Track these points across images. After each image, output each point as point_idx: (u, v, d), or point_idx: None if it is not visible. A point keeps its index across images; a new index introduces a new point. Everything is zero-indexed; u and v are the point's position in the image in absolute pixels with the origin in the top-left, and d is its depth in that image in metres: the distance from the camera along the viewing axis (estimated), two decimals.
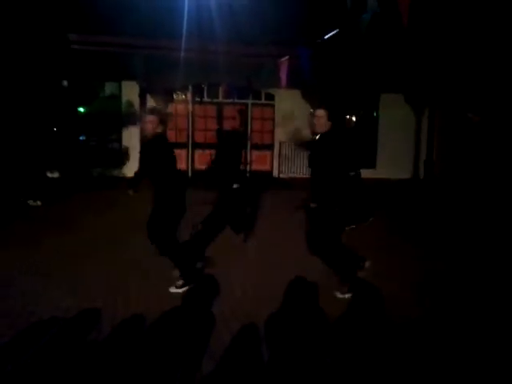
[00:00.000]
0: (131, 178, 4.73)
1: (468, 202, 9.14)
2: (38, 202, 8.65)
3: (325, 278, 4.97)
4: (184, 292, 4.57)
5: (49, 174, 10.78)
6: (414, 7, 4.37)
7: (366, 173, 4.81)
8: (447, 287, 4.97)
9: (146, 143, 4.40)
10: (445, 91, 11.67)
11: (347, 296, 4.46)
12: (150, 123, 4.27)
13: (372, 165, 12.67)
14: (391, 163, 12.41)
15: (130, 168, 11.36)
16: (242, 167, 7.35)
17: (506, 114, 9.61)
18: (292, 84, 8.11)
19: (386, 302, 4.49)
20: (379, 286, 4.83)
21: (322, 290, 4.68)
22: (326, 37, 6.65)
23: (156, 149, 4.34)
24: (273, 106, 12.78)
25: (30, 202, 8.59)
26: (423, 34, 8.62)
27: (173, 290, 4.55)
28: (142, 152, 4.48)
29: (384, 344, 3.65)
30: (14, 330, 3.66)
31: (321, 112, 4.34)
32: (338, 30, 6.49)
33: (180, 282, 4.60)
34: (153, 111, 4.47)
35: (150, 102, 11.60)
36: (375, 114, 13.36)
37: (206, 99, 12.52)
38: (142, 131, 4.31)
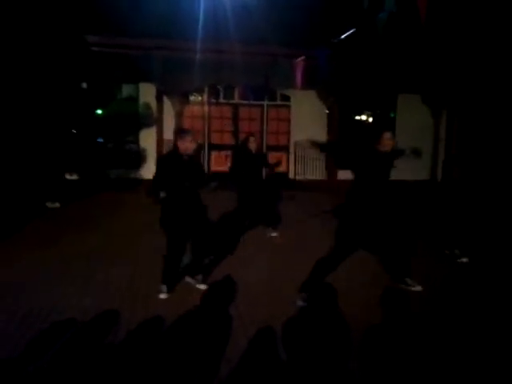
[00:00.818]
0: (153, 188, 4.80)
1: (487, 204, 8.98)
2: (57, 204, 8.75)
3: (345, 281, 4.93)
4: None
5: (67, 176, 10.89)
6: (432, 6, 4.31)
7: None
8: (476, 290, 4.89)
9: (189, 159, 4.67)
10: (464, 92, 11.50)
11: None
12: (192, 142, 4.65)
13: None
14: (408, 164, 12.19)
15: (147, 170, 11.44)
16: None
17: None
18: (308, 84, 8.08)
19: (412, 304, 4.44)
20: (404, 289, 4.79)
21: (341, 293, 4.64)
22: (343, 36, 6.60)
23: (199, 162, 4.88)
24: (288, 106, 12.75)
25: (49, 204, 8.70)
26: (441, 34, 8.51)
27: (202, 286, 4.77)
28: (182, 166, 4.64)
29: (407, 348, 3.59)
30: (33, 331, 3.70)
31: (390, 135, 5.01)
32: (354, 29, 6.44)
33: (200, 277, 4.84)
34: (189, 132, 4.80)
35: (167, 104, 11.66)
36: (392, 115, 13.23)
37: (221, 100, 12.55)
38: (177, 147, 4.60)
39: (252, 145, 7.01)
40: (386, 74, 10.95)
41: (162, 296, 4.50)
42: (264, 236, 6.99)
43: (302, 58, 7.26)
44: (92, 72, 11.08)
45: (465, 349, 3.58)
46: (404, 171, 6.69)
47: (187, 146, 4.61)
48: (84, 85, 11.91)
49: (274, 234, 7.03)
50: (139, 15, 8.66)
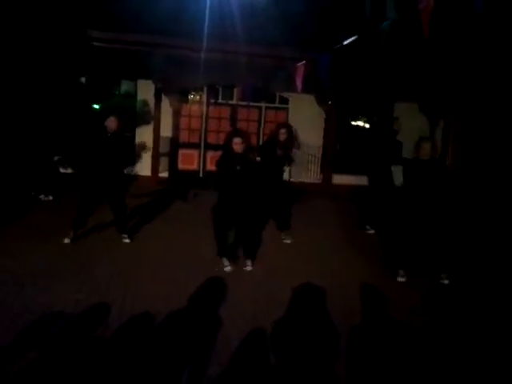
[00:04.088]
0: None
1: (484, 210, 9.07)
2: (50, 197, 8.71)
3: (337, 284, 4.97)
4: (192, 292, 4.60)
5: (62, 170, 10.84)
6: (434, 17, 4.34)
7: None
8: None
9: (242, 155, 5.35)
10: (461, 101, 11.58)
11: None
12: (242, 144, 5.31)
13: None
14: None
15: (142, 166, 11.43)
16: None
17: None
18: (307, 88, 8.09)
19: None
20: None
21: (333, 296, 4.68)
22: (345, 43, 6.64)
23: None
24: (286, 109, 12.77)
25: (42, 197, 8.66)
26: (442, 43, 8.56)
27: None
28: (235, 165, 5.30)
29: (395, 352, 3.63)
30: (22, 323, 3.70)
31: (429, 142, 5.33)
32: (356, 36, 6.48)
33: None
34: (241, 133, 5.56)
35: (165, 102, 11.64)
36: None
37: (220, 100, 12.55)
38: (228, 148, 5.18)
39: (282, 136, 6.72)
40: (384, 82, 11.01)
41: (227, 269, 5.28)
42: (276, 238, 6.90)
43: (303, 62, 7.27)
44: (91, 67, 11.04)
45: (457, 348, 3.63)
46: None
47: (237, 147, 5.25)
48: (83, 79, 11.88)
49: (288, 241, 6.82)
50: (141, 11, 8.65)
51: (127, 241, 6.28)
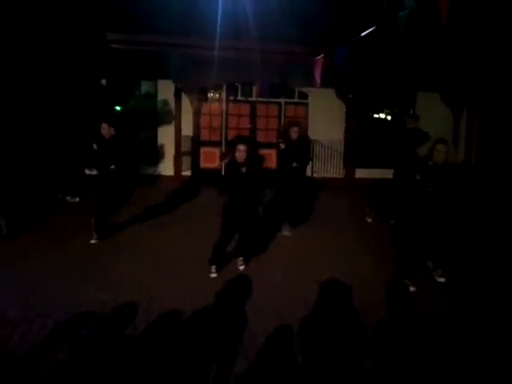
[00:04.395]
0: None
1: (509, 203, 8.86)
2: (76, 199, 8.89)
3: (362, 280, 4.93)
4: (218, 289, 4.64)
5: (87, 171, 11.04)
6: (453, 3, 4.26)
7: None
8: None
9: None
10: (484, 90, 11.32)
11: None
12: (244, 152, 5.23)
13: None
14: None
15: (165, 166, 11.54)
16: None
17: None
18: (326, 83, 8.03)
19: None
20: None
21: (359, 292, 4.65)
22: (363, 34, 6.55)
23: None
24: (306, 104, 12.70)
25: (69, 199, 8.85)
26: (462, 31, 8.39)
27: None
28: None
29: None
30: (52, 324, 3.78)
31: (443, 146, 4.95)
32: (374, 27, 6.38)
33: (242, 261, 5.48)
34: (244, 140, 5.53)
35: (185, 101, 11.72)
36: (411, 113, 13.08)
37: (239, 98, 12.56)
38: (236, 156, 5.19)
39: (294, 135, 6.79)
40: (405, 72, 10.84)
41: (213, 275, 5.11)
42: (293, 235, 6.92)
43: (321, 55, 7.20)
44: (111, 69, 11.17)
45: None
46: None
47: (240, 155, 5.18)
48: (103, 81, 12.03)
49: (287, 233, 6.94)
50: (158, 12, 8.71)
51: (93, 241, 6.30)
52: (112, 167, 6.32)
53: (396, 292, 4.77)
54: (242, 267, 5.43)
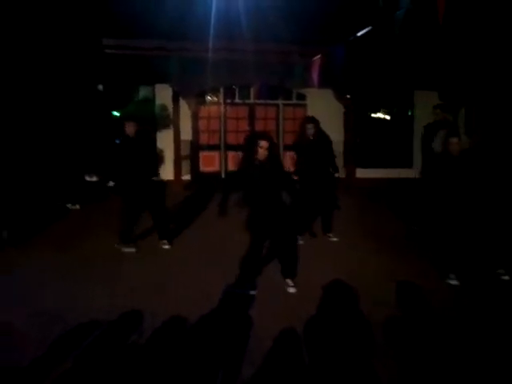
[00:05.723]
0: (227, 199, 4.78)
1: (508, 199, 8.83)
2: (77, 206, 8.88)
3: (365, 282, 4.93)
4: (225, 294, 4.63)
5: (87, 178, 11.03)
6: (449, 2, 4.27)
7: (402, 172, 4.83)
8: None
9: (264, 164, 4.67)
10: (482, 88, 11.32)
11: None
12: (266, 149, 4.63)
13: (409, 164, 12.42)
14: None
15: (164, 171, 11.52)
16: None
17: None
18: (324, 83, 8.02)
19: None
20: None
21: (364, 294, 4.64)
22: (359, 34, 6.56)
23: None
24: (304, 105, 12.70)
25: (69, 206, 8.84)
26: (458, 29, 8.40)
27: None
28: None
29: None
30: (58, 331, 3.77)
31: (456, 139, 5.12)
32: (370, 27, 6.39)
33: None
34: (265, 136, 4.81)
35: (184, 105, 11.72)
36: (410, 113, 13.11)
37: (237, 100, 12.57)
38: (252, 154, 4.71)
39: (310, 132, 6.31)
40: (402, 72, 10.85)
41: (252, 292, 4.60)
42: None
43: (318, 56, 7.20)
44: (108, 74, 11.18)
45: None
46: None
47: (262, 151, 4.61)
48: (100, 87, 12.04)
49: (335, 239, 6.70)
50: (153, 17, 8.73)
51: (167, 247, 6.27)
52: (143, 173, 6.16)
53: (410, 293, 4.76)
54: (292, 290, 4.70)
